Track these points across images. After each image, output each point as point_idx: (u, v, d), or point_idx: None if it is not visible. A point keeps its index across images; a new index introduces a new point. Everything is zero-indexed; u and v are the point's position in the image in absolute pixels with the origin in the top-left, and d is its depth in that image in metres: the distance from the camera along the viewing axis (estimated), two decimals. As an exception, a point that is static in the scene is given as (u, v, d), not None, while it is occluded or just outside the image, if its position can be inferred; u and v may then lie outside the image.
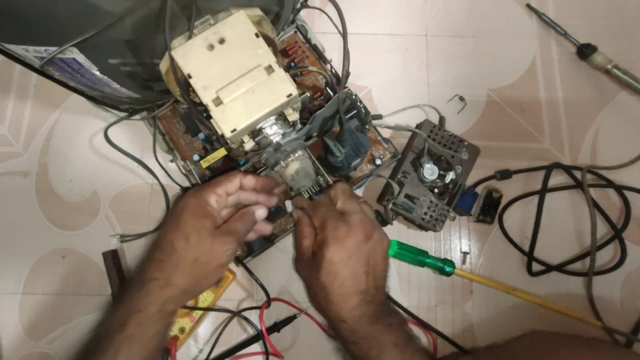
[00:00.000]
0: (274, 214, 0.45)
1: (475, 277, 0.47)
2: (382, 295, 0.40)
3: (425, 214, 0.45)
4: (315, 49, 0.50)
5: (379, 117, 0.50)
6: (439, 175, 0.46)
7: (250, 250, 0.45)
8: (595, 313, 0.47)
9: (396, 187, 0.44)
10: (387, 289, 0.42)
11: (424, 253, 0.47)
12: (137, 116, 0.46)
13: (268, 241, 0.45)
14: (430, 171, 0.45)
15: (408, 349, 0.37)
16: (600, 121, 0.53)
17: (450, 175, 0.46)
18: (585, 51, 0.53)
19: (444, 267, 0.46)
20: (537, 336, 0.42)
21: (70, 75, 0.32)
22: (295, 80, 0.48)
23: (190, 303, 0.45)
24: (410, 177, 0.46)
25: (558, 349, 0.38)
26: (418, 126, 0.49)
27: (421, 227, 0.47)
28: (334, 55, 0.51)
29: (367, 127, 0.45)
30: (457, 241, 0.49)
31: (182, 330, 0.45)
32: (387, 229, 0.49)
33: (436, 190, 0.47)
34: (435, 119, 0.51)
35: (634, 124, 0.53)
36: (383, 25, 0.56)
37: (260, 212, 0.40)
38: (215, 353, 0.45)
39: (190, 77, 0.28)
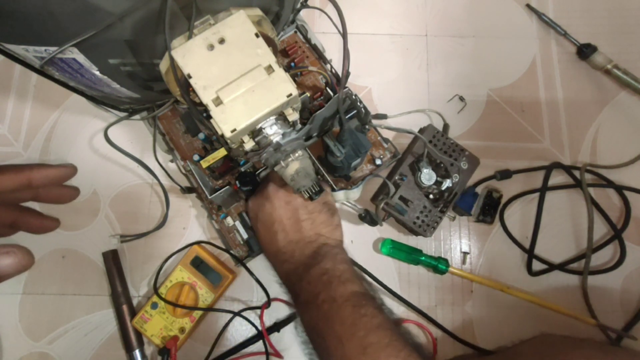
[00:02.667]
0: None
1: (469, 275, 0.47)
2: (301, 253, 0.38)
3: (418, 218, 0.45)
4: (315, 49, 0.50)
5: (384, 116, 0.50)
6: (436, 181, 0.46)
7: (251, 250, 0.45)
8: (590, 311, 0.47)
9: (392, 188, 0.44)
10: (316, 244, 0.39)
11: (418, 251, 0.47)
12: (137, 116, 0.46)
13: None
14: (427, 176, 0.45)
15: (318, 300, 0.35)
16: (600, 121, 0.53)
17: (447, 183, 0.46)
18: (585, 51, 0.53)
19: (437, 265, 0.46)
20: (547, 339, 0.42)
21: (70, 75, 0.32)
22: (295, 80, 0.48)
23: (191, 303, 0.45)
24: (406, 180, 0.46)
25: (568, 352, 0.37)
26: (421, 130, 0.49)
27: (411, 231, 0.47)
28: (334, 55, 0.51)
29: (367, 127, 0.45)
30: (457, 241, 0.49)
31: (182, 330, 0.45)
32: (385, 229, 0.49)
33: (431, 196, 0.47)
34: (438, 124, 0.51)
35: (634, 124, 0.53)
36: (383, 25, 0.56)
37: (9, 262, 0.27)
38: (215, 353, 0.45)
39: (190, 77, 0.28)
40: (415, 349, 0.32)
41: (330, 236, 0.39)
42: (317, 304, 0.35)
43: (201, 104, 0.29)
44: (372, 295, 0.36)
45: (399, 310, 0.47)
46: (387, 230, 0.49)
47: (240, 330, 0.47)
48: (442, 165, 0.47)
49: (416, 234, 0.47)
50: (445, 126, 0.51)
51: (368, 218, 0.43)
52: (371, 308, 0.33)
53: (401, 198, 0.46)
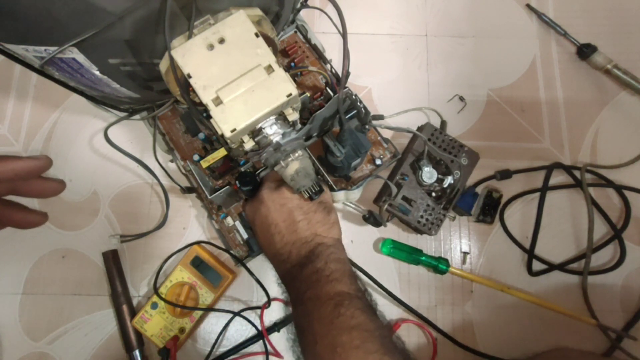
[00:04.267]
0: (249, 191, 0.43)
1: (469, 275, 0.47)
2: (298, 254, 0.38)
3: (422, 217, 0.45)
4: (315, 49, 0.50)
5: (381, 117, 0.50)
6: (437, 179, 0.46)
7: (251, 250, 0.45)
8: (590, 311, 0.47)
9: (394, 188, 0.44)
10: (311, 241, 0.38)
11: (418, 251, 0.47)
12: (137, 116, 0.46)
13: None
14: (428, 174, 0.45)
15: (305, 297, 0.35)
16: (600, 121, 0.53)
17: (449, 180, 0.46)
18: (585, 51, 0.53)
19: (437, 265, 0.46)
20: (564, 354, 0.41)
21: (70, 75, 0.32)
22: (295, 80, 0.48)
23: (191, 303, 0.45)
24: (408, 180, 0.46)
25: None
26: (419, 129, 0.49)
27: (416, 230, 0.47)
28: (334, 55, 0.51)
29: (367, 127, 0.45)
30: (457, 241, 0.49)
31: (182, 330, 0.45)
32: (385, 229, 0.49)
33: (434, 194, 0.47)
34: (437, 122, 0.51)
35: (634, 124, 0.53)
36: (383, 25, 0.56)
37: None
38: (215, 353, 0.45)
39: (190, 77, 0.28)
40: (397, 354, 0.31)
41: (327, 235, 0.39)
42: (303, 301, 0.35)
43: (201, 103, 0.29)
44: (360, 297, 0.35)
45: (398, 311, 0.47)
46: (387, 230, 0.49)
47: (240, 330, 0.47)
48: (442, 162, 0.47)
49: (421, 232, 0.47)
50: (443, 123, 0.51)
51: (372, 219, 0.43)
52: (352, 309, 0.33)
53: (404, 198, 0.46)
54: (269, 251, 0.40)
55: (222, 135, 0.28)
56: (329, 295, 0.34)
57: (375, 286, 0.46)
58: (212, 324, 0.47)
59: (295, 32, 0.51)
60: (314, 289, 0.34)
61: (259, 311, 0.46)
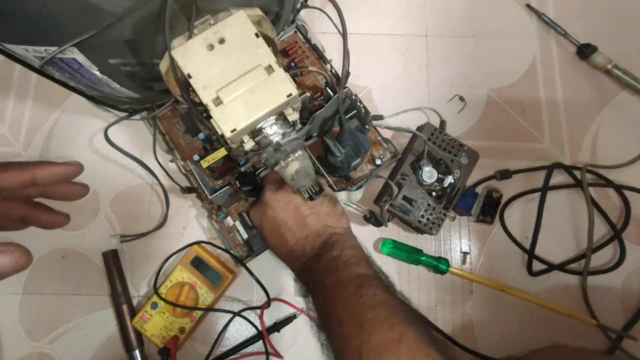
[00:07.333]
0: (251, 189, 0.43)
1: (469, 275, 0.47)
2: (312, 246, 0.38)
3: (422, 216, 0.45)
4: (315, 49, 0.50)
5: (380, 117, 0.50)
6: (438, 178, 0.46)
7: (251, 250, 0.45)
8: (590, 311, 0.47)
9: (395, 188, 0.44)
10: (324, 235, 0.39)
11: (419, 251, 0.47)
12: (137, 116, 0.46)
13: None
14: (429, 174, 0.45)
15: (325, 284, 0.35)
16: (600, 121, 0.53)
17: (449, 179, 0.46)
18: (585, 51, 0.53)
19: (438, 265, 0.46)
20: (559, 351, 0.41)
21: (70, 75, 0.32)
22: (295, 80, 0.48)
23: (191, 303, 0.45)
24: (408, 179, 0.46)
25: None
26: (419, 129, 0.49)
27: (417, 230, 0.47)
28: (334, 55, 0.51)
29: (367, 127, 0.45)
30: (457, 241, 0.49)
31: (182, 330, 0.45)
32: (385, 229, 0.49)
33: (434, 194, 0.47)
34: (436, 122, 0.51)
35: (634, 124, 0.53)
36: (383, 25, 0.56)
37: (5, 261, 0.26)
38: (215, 353, 0.45)
39: (190, 77, 0.28)
40: (421, 327, 0.32)
41: (338, 225, 0.40)
42: (324, 288, 0.35)
43: (201, 104, 0.29)
44: (378, 278, 0.36)
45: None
46: (388, 230, 0.49)
47: (240, 330, 0.47)
48: (442, 162, 0.47)
49: (422, 232, 0.47)
50: (442, 123, 0.51)
51: (373, 219, 0.43)
52: (373, 288, 0.33)
53: (405, 198, 0.46)
54: (281, 251, 0.40)
55: (222, 136, 0.28)
56: (349, 278, 0.34)
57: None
58: (212, 324, 0.47)
59: (295, 32, 0.51)
60: (333, 275, 0.35)
61: (259, 311, 0.46)
